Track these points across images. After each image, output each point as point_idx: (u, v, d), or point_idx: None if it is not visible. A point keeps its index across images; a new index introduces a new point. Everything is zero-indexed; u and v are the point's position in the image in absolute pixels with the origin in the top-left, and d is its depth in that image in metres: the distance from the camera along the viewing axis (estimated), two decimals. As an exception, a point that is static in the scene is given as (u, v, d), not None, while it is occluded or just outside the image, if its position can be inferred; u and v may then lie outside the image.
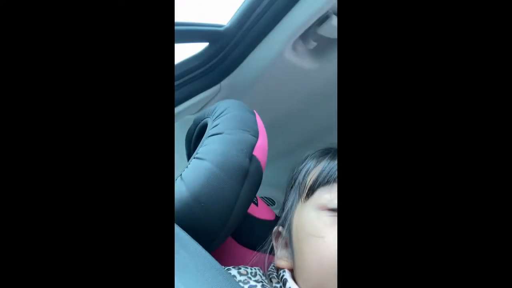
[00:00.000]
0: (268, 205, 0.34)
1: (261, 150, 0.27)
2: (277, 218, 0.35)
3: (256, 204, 0.34)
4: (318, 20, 0.36)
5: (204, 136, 0.29)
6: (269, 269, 0.26)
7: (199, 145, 0.28)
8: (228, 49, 0.39)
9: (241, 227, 0.29)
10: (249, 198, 0.26)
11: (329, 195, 0.23)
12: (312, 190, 0.25)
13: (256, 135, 0.28)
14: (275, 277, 0.25)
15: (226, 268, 0.24)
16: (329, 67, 0.42)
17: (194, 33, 0.35)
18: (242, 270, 0.25)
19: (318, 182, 0.24)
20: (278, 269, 0.26)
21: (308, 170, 0.27)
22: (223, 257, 0.31)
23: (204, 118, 0.33)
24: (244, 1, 0.37)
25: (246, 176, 0.25)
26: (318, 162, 0.26)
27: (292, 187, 0.28)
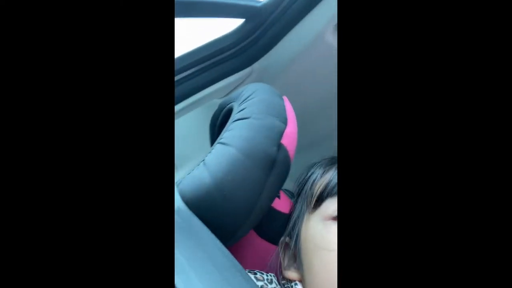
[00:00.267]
0: (290, 198, 0.31)
1: (290, 139, 0.25)
2: None
3: (279, 197, 0.32)
4: None
5: (229, 120, 0.27)
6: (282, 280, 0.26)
7: (224, 130, 0.26)
8: (264, 27, 0.36)
9: (263, 219, 0.27)
10: (275, 190, 0.24)
11: (336, 206, 0.23)
12: (320, 201, 0.24)
13: (285, 122, 0.25)
14: None
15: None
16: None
17: (228, 7, 0.32)
18: (259, 276, 0.24)
19: (326, 192, 0.24)
20: (289, 280, 0.25)
21: (315, 180, 0.26)
22: (242, 250, 0.29)
23: (230, 103, 0.32)
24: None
25: (273, 165, 0.23)
26: (326, 171, 0.25)
27: (299, 196, 0.27)
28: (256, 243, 0.30)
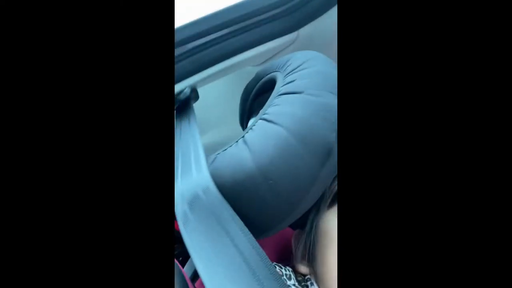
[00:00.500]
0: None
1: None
2: None
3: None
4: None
5: (274, 93, 0.23)
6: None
7: (267, 104, 0.22)
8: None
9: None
10: (326, 184, 0.20)
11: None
12: (335, 199, 0.23)
13: None
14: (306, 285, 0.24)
15: None
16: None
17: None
18: (278, 270, 0.24)
19: None
20: (301, 273, 0.25)
21: (335, 176, 0.24)
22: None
23: (272, 72, 0.27)
24: None
25: (330, 155, 0.19)
26: None
27: None
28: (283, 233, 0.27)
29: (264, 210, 0.19)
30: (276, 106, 0.20)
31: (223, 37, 0.33)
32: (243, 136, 0.20)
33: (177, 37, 0.31)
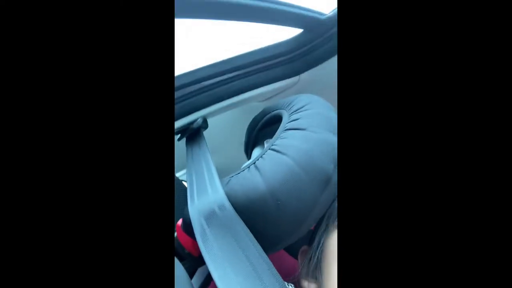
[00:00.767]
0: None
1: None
2: None
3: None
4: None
5: (280, 128, 0.27)
6: None
7: (275, 136, 0.26)
8: (323, 40, 0.36)
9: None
10: (324, 208, 0.23)
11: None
12: None
13: None
14: None
15: None
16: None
17: (290, 16, 0.32)
18: None
19: None
20: None
21: None
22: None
23: (277, 110, 0.31)
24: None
25: (328, 183, 0.22)
26: None
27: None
28: (285, 259, 0.29)
29: (273, 226, 0.21)
30: (284, 139, 0.24)
31: (235, 78, 0.38)
32: (254, 163, 0.23)
33: (196, 76, 0.36)
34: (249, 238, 0.19)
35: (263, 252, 0.19)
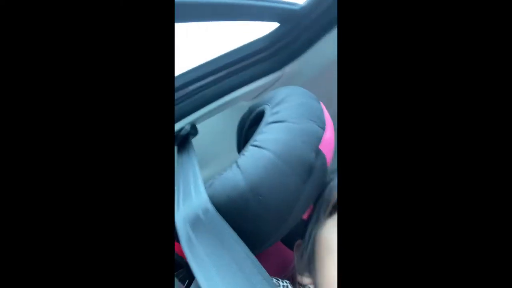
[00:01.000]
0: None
1: (328, 145, 0.23)
2: None
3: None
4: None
5: (262, 123, 0.26)
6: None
7: (256, 132, 0.25)
8: (299, 30, 0.35)
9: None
10: (311, 198, 0.23)
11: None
12: (335, 208, 0.25)
13: (323, 127, 0.24)
14: None
15: None
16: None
17: (264, 10, 0.32)
18: (275, 282, 0.24)
19: None
20: (302, 284, 0.25)
21: (333, 187, 0.26)
22: (268, 259, 0.28)
23: (261, 105, 0.31)
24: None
25: (311, 172, 0.22)
26: None
27: (317, 200, 0.27)
28: (280, 250, 0.28)
29: (256, 223, 0.21)
30: (264, 134, 0.24)
31: (219, 79, 0.38)
32: (236, 161, 0.23)
33: (179, 82, 0.36)
34: (234, 240, 0.19)
35: (250, 252, 0.18)
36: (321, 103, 0.28)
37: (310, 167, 0.21)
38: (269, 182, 0.20)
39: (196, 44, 0.41)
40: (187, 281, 0.28)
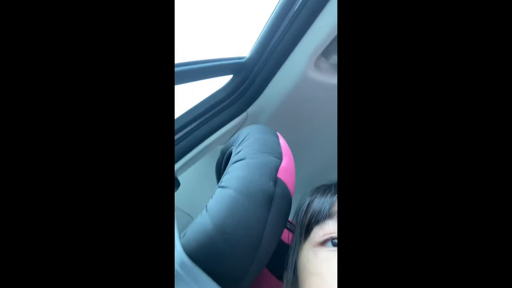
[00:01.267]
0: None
1: (286, 172, 0.25)
2: None
3: (292, 231, 0.31)
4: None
5: (228, 164, 0.28)
6: None
7: (224, 173, 0.27)
8: (252, 77, 0.40)
9: (276, 257, 0.26)
10: (278, 225, 0.24)
11: (322, 232, 0.24)
12: (309, 230, 0.25)
13: (279, 157, 0.26)
14: None
15: None
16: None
17: (217, 68, 0.37)
18: None
19: (312, 222, 0.25)
20: None
21: (304, 210, 0.27)
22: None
23: (230, 147, 0.34)
24: (262, 30, 0.38)
25: (272, 200, 0.23)
26: (311, 201, 0.27)
27: (297, 227, 0.28)
28: (269, 281, 0.28)
29: (227, 262, 0.21)
30: (228, 174, 0.26)
31: (191, 131, 0.42)
32: (206, 205, 0.24)
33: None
34: (210, 284, 0.19)
35: None
36: (278, 134, 0.30)
37: (270, 196, 0.23)
38: (233, 219, 0.22)
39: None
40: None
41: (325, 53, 0.39)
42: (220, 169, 0.38)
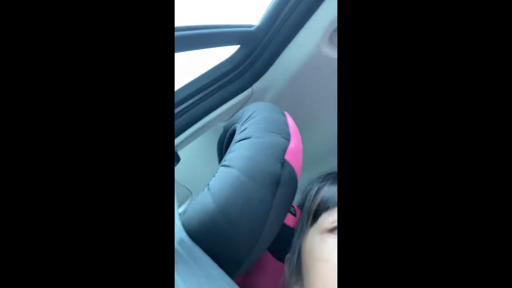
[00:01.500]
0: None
1: (294, 154, 0.24)
2: None
3: (294, 214, 0.30)
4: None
5: (232, 142, 0.27)
6: None
7: (227, 151, 0.26)
8: (260, 49, 0.37)
9: (278, 239, 0.26)
10: (284, 209, 0.23)
11: (331, 218, 0.24)
12: (316, 216, 0.25)
13: (287, 138, 0.24)
14: None
15: None
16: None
17: (224, 35, 0.34)
18: None
19: (320, 208, 0.25)
20: None
21: (312, 196, 0.27)
22: (257, 272, 0.28)
23: (233, 124, 0.32)
24: (274, -2, 0.35)
25: (278, 183, 0.22)
26: (320, 187, 0.27)
27: (301, 211, 0.28)
28: (270, 263, 0.28)
29: (229, 244, 0.20)
30: (232, 152, 0.24)
31: (193, 104, 0.39)
32: (208, 184, 0.23)
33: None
34: (211, 267, 0.19)
35: (226, 276, 0.18)
36: (286, 114, 0.29)
37: (277, 179, 0.22)
38: (237, 200, 0.21)
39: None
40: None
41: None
42: (222, 146, 0.36)
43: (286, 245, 0.28)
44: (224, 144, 0.36)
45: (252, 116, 0.28)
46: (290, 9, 0.35)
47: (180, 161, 0.40)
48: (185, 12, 0.34)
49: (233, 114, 0.43)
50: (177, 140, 0.40)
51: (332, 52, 0.37)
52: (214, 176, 0.24)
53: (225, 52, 0.39)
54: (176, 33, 0.31)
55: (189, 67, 0.39)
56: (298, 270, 0.25)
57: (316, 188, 0.27)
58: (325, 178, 0.28)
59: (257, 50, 0.37)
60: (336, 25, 0.35)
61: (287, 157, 0.23)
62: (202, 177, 0.54)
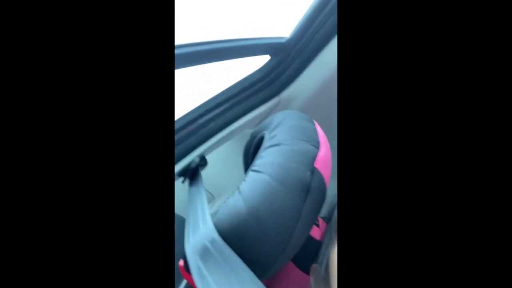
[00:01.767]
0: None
1: (323, 162, 0.24)
2: None
3: (317, 225, 0.30)
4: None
5: (261, 148, 0.28)
6: None
7: (256, 157, 0.27)
8: (290, 59, 0.38)
9: (302, 249, 0.26)
10: (312, 217, 0.23)
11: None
12: None
13: (317, 146, 0.25)
14: None
15: None
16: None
17: (255, 47, 0.36)
18: None
19: None
20: None
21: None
22: (280, 282, 0.28)
23: (261, 131, 0.33)
24: (306, 12, 0.36)
25: (308, 190, 0.22)
26: None
27: (329, 221, 0.27)
28: (294, 274, 0.28)
29: (259, 248, 0.21)
30: (262, 158, 0.25)
31: (222, 112, 0.41)
32: (238, 187, 0.24)
33: (187, 118, 0.39)
34: (240, 267, 0.19)
35: (255, 278, 0.19)
36: (315, 122, 0.29)
37: (307, 186, 0.22)
38: (268, 205, 0.21)
39: (198, 85, 0.45)
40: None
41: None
42: (249, 153, 0.37)
43: (309, 255, 0.28)
44: (251, 151, 0.37)
45: (281, 123, 0.29)
46: (320, 22, 0.36)
47: (207, 166, 0.41)
48: (226, 28, 0.36)
49: (260, 122, 0.44)
50: (206, 145, 0.42)
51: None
52: (244, 180, 0.25)
53: (255, 64, 0.40)
54: (215, 45, 0.33)
55: (223, 76, 0.41)
56: (326, 281, 0.24)
57: None
58: None
59: (287, 60, 0.39)
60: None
61: (317, 165, 0.24)
62: (225, 182, 0.56)
